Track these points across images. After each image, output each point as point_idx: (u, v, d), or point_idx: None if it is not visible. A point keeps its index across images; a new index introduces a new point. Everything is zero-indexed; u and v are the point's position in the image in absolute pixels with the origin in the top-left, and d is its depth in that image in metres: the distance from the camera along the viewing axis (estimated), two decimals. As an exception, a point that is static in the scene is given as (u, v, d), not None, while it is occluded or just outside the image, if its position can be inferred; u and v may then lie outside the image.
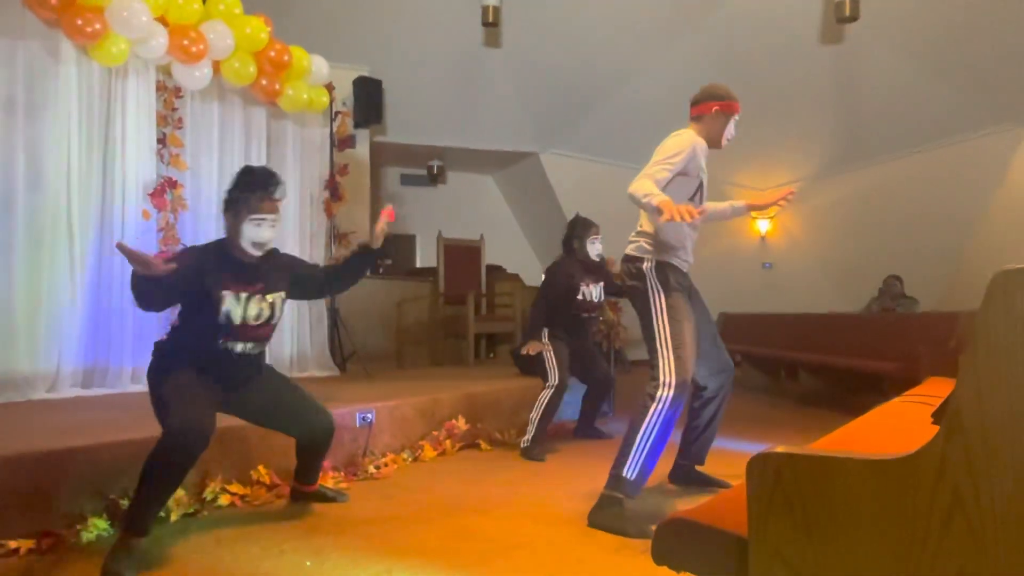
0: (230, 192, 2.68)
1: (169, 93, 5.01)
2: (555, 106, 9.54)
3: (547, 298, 4.49)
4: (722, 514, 1.29)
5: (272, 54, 5.23)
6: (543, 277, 4.73)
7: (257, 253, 2.69)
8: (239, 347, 2.68)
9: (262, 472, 3.20)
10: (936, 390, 2.91)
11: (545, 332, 4.44)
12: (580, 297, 4.50)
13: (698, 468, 3.41)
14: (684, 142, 2.92)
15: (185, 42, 4.65)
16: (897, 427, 2.12)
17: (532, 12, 8.29)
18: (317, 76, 5.75)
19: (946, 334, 5.14)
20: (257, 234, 2.65)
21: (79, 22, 4.23)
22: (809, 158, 10.85)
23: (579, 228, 4.62)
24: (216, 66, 5.00)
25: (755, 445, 4.33)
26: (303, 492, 3.12)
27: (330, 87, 6.07)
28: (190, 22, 4.75)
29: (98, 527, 2.59)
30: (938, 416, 1.87)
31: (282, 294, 2.80)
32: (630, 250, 3.12)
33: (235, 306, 2.62)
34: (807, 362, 7.06)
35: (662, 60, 8.66)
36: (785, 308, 9.52)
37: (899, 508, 1.02)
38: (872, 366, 5.53)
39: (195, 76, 4.88)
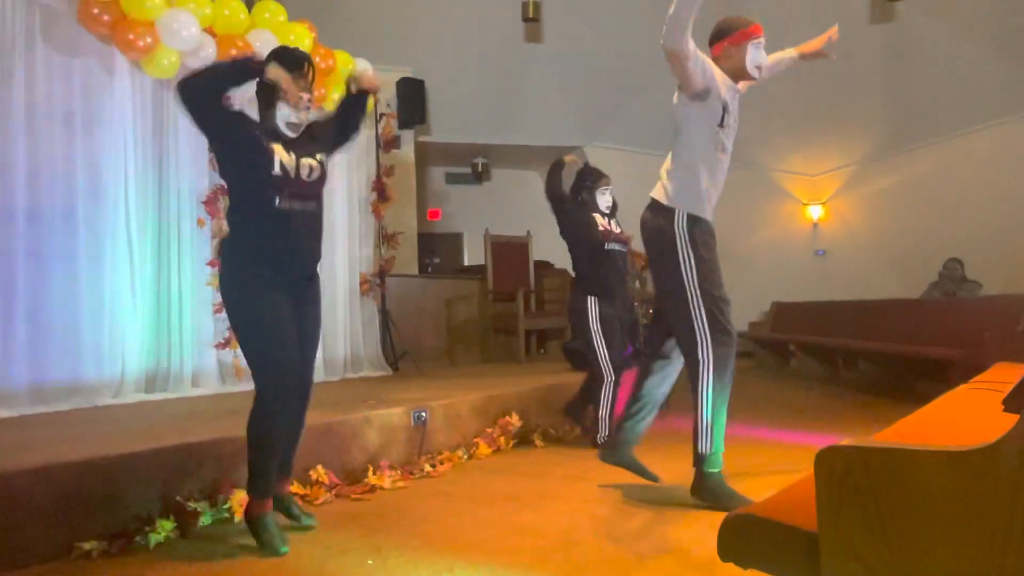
0: (261, 76, 2.62)
1: (219, 102, 5.10)
2: (598, 98, 9.48)
3: (572, 232, 4.35)
4: (789, 509, 1.26)
5: (317, 59, 5.29)
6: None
7: (292, 135, 2.65)
8: (298, 206, 2.62)
9: (321, 472, 3.24)
10: (1005, 376, 2.81)
11: (595, 308, 4.22)
12: (601, 228, 4.28)
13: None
14: (689, 51, 2.72)
15: (233, 51, 4.73)
16: (967, 416, 2.05)
17: (572, 5, 8.24)
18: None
19: (1013, 317, 4.97)
20: (292, 114, 2.63)
21: (131, 36, 4.34)
22: (861, 141, 10.59)
23: (588, 177, 4.40)
24: (263, 73, 5.08)
25: (816, 437, 4.25)
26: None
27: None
28: (237, 32, 4.84)
29: (165, 528, 2.65)
30: (1009, 403, 1.81)
31: (324, 154, 2.78)
32: (656, 194, 2.99)
33: (287, 156, 2.59)
34: (866, 350, 6.89)
35: (706, 50, 8.52)
36: (840, 296, 9.30)
37: (978, 502, 0.98)
38: (935, 353, 5.37)
39: (243, 85, 4.95)
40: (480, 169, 11.13)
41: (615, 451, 3.20)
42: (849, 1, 8.08)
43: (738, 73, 2.95)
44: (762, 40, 2.93)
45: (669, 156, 3.03)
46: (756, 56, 2.92)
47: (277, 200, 2.56)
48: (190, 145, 4.89)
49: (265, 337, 2.54)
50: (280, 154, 2.57)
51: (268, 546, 2.48)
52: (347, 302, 5.95)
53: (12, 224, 4.08)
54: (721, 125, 2.90)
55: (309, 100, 2.66)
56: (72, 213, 4.36)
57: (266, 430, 2.54)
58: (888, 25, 8.28)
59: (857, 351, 7.17)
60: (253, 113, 2.68)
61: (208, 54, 4.65)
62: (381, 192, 6.35)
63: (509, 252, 7.54)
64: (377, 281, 6.28)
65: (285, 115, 2.62)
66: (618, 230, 4.39)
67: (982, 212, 9.27)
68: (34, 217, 4.18)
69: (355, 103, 2.95)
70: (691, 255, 2.88)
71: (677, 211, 2.92)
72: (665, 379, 3.17)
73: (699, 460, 2.88)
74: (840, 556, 1.09)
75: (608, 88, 9.35)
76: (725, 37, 2.93)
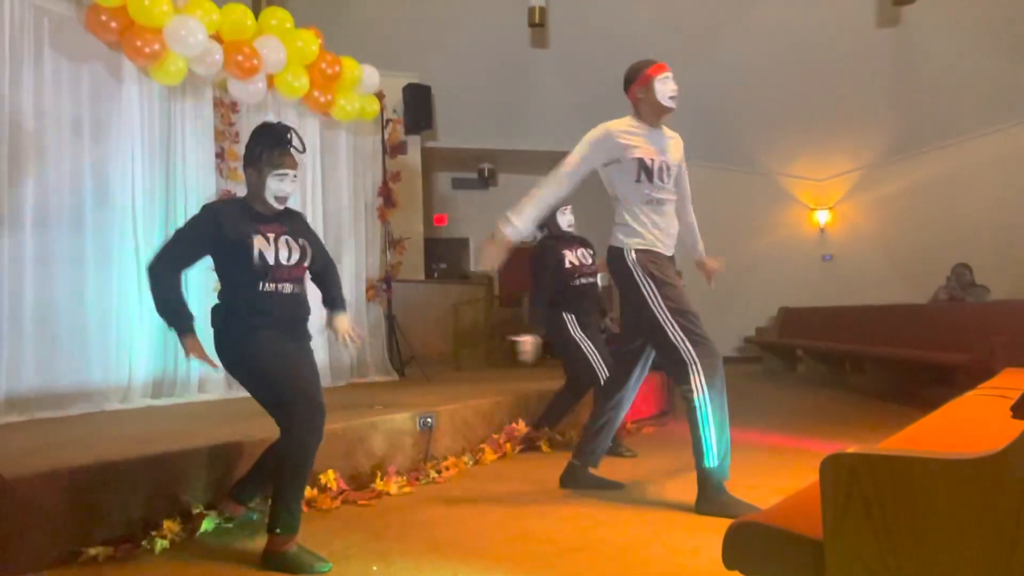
0: (250, 149, 2.69)
1: (225, 108, 5.13)
2: (605, 104, 9.42)
3: (537, 276, 4.42)
4: (794, 517, 1.25)
5: (323, 66, 5.31)
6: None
7: (279, 207, 2.70)
8: (283, 288, 2.68)
9: (330, 477, 3.24)
10: (1013, 382, 2.80)
11: (572, 321, 4.34)
12: (568, 265, 4.40)
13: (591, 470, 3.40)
14: (590, 135, 3.15)
15: (240, 58, 4.75)
16: (975, 422, 2.04)
17: (578, 11, 8.26)
18: (368, 85, 5.81)
19: (1022, 323, 4.95)
20: (279, 188, 2.66)
21: (138, 43, 4.36)
22: (868, 145, 10.55)
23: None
24: (270, 80, 5.10)
25: (823, 443, 4.23)
26: (230, 509, 2.88)
27: (380, 95, 6.13)
28: (244, 38, 4.86)
29: (171, 533, 2.66)
30: (1018, 409, 1.79)
31: (307, 244, 2.78)
32: (611, 241, 3.19)
33: (267, 247, 2.63)
34: (874, 355, 6.86)
35: (712, 55, 8.54)
36: (848, 301, 9.26)
37: (985, 511, 0.97)
38: (943, 358, 5.35)
39: (250, 91, 4.98)
40: (486, 174, 11.14)
41: (574, 478, 3.38)
42: (856, 5, 8.06)
43: (656, 109, 3.12)
44: (668, 73, 3.12)
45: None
46: (665, 89, 3.10)
47: (262, 285, 2.63)
48: (197, 151, 4.92)
49: (277, 369, 2.56)
50: (260, 244, 2.62)
51: (310, 569, 2.40)
52: (353, 308, 5.96)
53: (20, 230, 4.09)
54: (639, 180, 3.08)
55: (294, 174, 2.70)
56: (80, 219, 4.39)
57: (306, 461, 2.50)
58: (895, 29, 8.26)
59: (865, 356, 7.14)
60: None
61: (215, 60, 4.67)
62: (387, 198, 6.36)
63: (515, 257, 7.53)
64: (383, 286, 6.29)
65: (275, 189, 2.66)
66: (587, 261, 4.51)
67: (990, 216, 9.23)
68: (42, 223, 4.20)
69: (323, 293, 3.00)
70: (650, 282, 3.02)
71: (625, 249, 3.10)
72: (619, 410, 3.38)
73: (704, 474, 2.90)
74: (846, 564, 1.08)
75: (614, 94, 9.29)
76: (632, 84, 3.17)
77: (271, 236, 2.66)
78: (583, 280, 4.44)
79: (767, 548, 1.23)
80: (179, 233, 2.70)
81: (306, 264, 2.77)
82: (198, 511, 2.77)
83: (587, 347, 4.28)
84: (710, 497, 2.87)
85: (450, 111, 9.03)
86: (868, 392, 6.83)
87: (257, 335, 2.59)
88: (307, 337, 2.82)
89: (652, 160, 3.08)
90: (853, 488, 1.08)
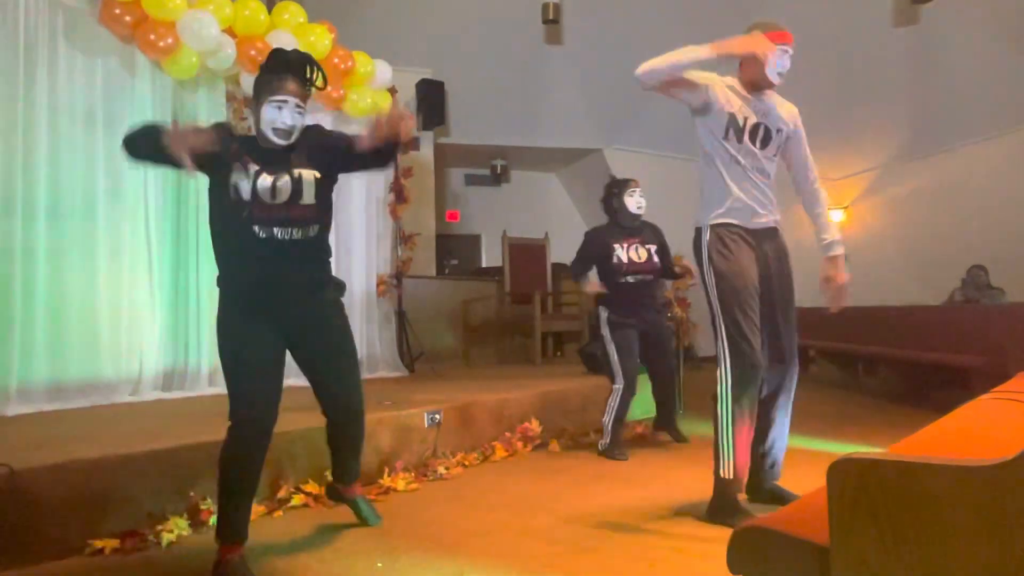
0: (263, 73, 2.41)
1: (238, 103, 5.14)
2: (618, 101, 9.43)
3: (580, 256, 4.37)
4: (800, 522, 1.23)
5: (336, 61, 5.31)
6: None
7: (281, 141, 2.36)
8: (267, 232, 2.33)
9: (335, 474, 3.24)
10: (1028, 386, 2.75)
11: (605, 315, 4.27)
12: (615, 260, 4.25)
13: (775, 483, 3.00)
14: (705, 78, 2.79)
15: (252, 52, 4.76)
16: (988, 426, 2.00)
17: (592, 7, 8.21)
18: (380, 80, 5.81)
19: (1038, 326, 4.88)
20: (277, 117, 2.33)
21: (152, 37, 4.37)
22: (884, 145, 10.46)
23: (616, 185, 4.40)
24: (283, 74, 5.10)
25: (833, 445, 4.20)
26: (339, 493, 2.87)
27: (393, 90, 6.12)
28: (257, 32, 4.86)
29: (179, 526, 2.67)
30: (1033, 415, 1.76)
31: (312, 171, 2.41)
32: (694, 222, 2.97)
33: (243, 179, 2.30)
34: (887, 357, 6.80)
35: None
36: (861, 301, 9.17)
37: (995, 520, 0.95)
38: (957, 360, 5.29)
39: (263, 85, 4.98)
40: (499, 171, 11.12)
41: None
42: (872, 3, 7.98)
43: (758, 80, 2.85)
44: (787, 46, 2.81)
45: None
46: (776, 63, 2.79)
47: (245, 220, 2.32)
48: (209, 145, 4.92)
49: (233, 368, 2.33)
50: (236, 176, 2.31)
51: None
52: (364, 303, 5.97)
53: (33, 222, 4.12)
54: (726, 138, 2.83)
55: (298, 105, 2.37)
56: (92, 211, 4.40)
57: (226, 468, 2.27)
58: (912, 28, 8.17)
59: (878, 357, 7.08)
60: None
61: (228, 54, 4.68)
62: (399, 193, 6.35)
63: (527, 254, 7.53)
64: (394, 282, 6.29)
65: (271, 119, 2.35)
66: (641, 259, 4.30)
67: (1007, 218, 9.11)
68: (55, 215, 4.23)
69: (376, 154, 2.41)
70: (711, 271, 2.83)
71: (703, 228, 2.89)
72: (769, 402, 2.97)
73: (717, 483, 2.80)
74: (852, 571, 1.06)
75: (628, 90, 9.24)
76: None
77: (253, 168, 2.33)
78: (631, 278, 4.26)
79: (772, 553, 1.21)
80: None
81: (304, 203, 2.37)
82: (206, 506, 2.78)
83: (611, 348, 4.23)
84: (718, 507, 2.78)
85: (463, 107, 9.01)
86: (881, 394, 6.77)
87: (236, 328, 2.36)
88: (318, 304, 2.53)
89: (745, 119, 2.83)
90: (860, 494, 1.06)
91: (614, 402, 4.17)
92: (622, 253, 4.27)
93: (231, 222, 2.35)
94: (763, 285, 2.88)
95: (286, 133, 2.36)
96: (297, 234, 2.38)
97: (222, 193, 2.34)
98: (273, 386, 2.36)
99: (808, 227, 3.10)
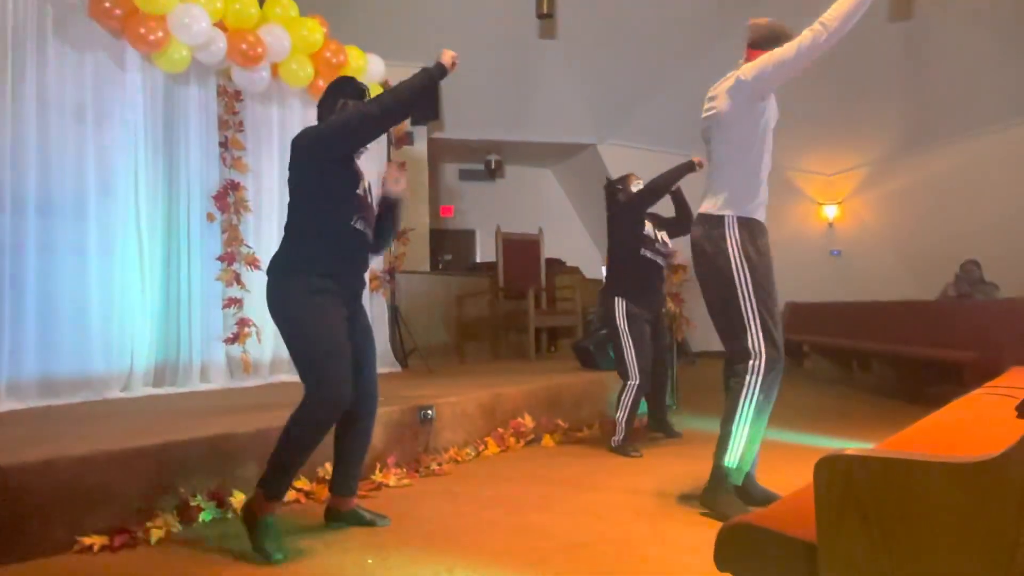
0: (335, 96, 2.75)
1: (229, 97, 5.10)
2: (612, 96, 9.43)
3: (631, 209, 4.37)
4: (788, 519, 1.22)
5: (328, 55, 5.28)
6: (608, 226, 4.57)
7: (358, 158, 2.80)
8: (363, 227, 2.72)
9: (328, 469, 3.22)
10: (1020, 380, 2.76)
11: (622, 305, 4.23)
12: (647, 231, 4.37)
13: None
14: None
15: (243, 46, 4.73)
16: (979, 422, 2.01)
17: (587, 2, 8.19)
18: (373, 74, 5.78)
19: (1030, 321, 4.89)
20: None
21: (142, 31, 4.34)
22: (878, 140, 10.47)
23: (619, 181, 4.55)
24: (274, 69, 5.08)
25: (825, 440, 4.20)
26: (339, 512, 2.79)
27: (386, 85, 6.10)
28: (248, 26, 4.83)
29: (167, 524, 2.65)
30: (1022, 409, 1.76)
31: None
32: (707, 208, 2.87)
33: (356, 172, 2.72)
34: (880, 352, 6.82)
35: (720, 45, 8.46)
36: (855, 296, 9.20)
37: (982, 515, 0.94)
38: (950, 356, 5.30)
39: (254, 79, 4.96)
40: (493, 166, 11.11)
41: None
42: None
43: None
44: None
45: (715, 166, 2.92)
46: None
47: (354, 218, 2.67)
48: (200, 140, 4.89)
49: (326, 348, 2.52)
50: (358, 172, 2.71)
51: (262, 551, 2.39)
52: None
53: (23, 217, 4.08)
54: (773, 129, 2.86)
55: None
56: (83, 207, 4.37)
57: (311, 438, 2.50)
58: (906, 23, 8.16)
59: (871, 352, 7.09)
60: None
61: (219, 48, 4.65)
62: (392, 188, 6.33)
63: (521, 249, 7.52)
64: (387, 277, 6.27)
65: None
66: (662, 240, 4.47)
67: (1000, 213, 9.14)
68: (45, 211, 4.19)
69: (392, 219, 2.93)
70: (744, 264, 2.77)
71: (727, 218, 2.81)
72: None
73: (718, 469, 2.78)
74: (839, 568, 1.06)
75: (622, 85, 9.29)
76: (776, 45, 2.76)
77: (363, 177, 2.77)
78: (652, 254, 4.37)
79: (760, 550, 1.21)
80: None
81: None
82: (196, 503, 2.76)
83: (626, 342, 4.20)
84: (714, 494, 2.77)
85: (457, 102, 8.98)
86: (874, 389, 6.78)
87: (326, 310, 2.56)
88: (361, 296, 2.83)
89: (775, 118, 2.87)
90: (848, 491, 1.05)
91: (628, 398, 4.15)
92: (651, 230, 4.42)
93: (346, 212, 2.65)
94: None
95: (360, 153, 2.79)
96: (368, 229, 2.77)
97: (348, 180, 2.66)
98: (349, 366, 2.60)
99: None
